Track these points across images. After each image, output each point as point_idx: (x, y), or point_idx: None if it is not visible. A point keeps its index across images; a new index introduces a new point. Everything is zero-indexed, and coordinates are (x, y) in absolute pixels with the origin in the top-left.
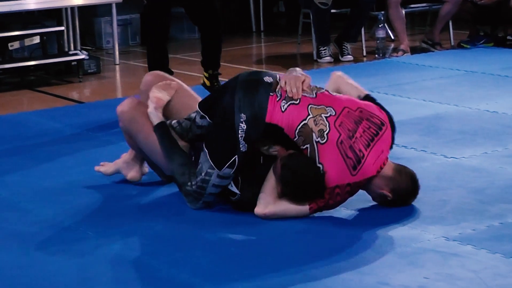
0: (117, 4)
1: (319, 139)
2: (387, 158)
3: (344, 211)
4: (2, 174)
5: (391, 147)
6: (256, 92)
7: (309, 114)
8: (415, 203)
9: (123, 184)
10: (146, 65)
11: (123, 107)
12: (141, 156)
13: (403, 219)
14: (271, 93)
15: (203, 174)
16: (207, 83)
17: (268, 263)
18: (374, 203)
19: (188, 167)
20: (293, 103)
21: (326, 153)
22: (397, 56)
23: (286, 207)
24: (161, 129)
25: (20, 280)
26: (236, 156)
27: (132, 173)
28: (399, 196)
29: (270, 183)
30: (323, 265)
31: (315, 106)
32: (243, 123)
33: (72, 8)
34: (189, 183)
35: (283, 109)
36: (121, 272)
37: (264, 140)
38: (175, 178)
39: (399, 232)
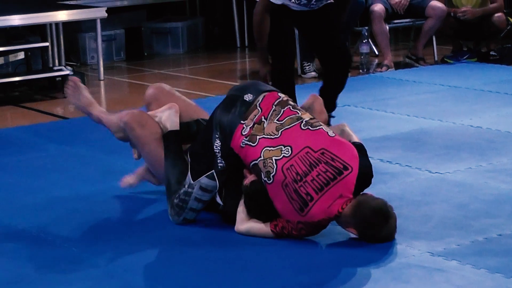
0: (102, 20)
1: (265, 179)
2: (350, 199)
3: (328, 227)
4: None
5: (360, 190)
6: (229, 112)
7: (260, 157)
8: (399, 218)
9: (106, 201)
10: (130, 81)
11: (130, 117)
12: None
13: None
14: (241, 121)
15: (186, 186)
16: None
17: (252, 279)
18: None
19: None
20: (250, 145)
21: (273, 192)
22: (381, 71)
23: (252, 225)
24: (173, 137)
25: None
26: (214, 171)
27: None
28: (364, 230)
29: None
30: (307, 280)
31: (270, 148)
32: (218, 140)
33: (57, 23)
34: (176, 195)
35: (242, 145)
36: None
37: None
38: (168, 186)
39: (383, 247)
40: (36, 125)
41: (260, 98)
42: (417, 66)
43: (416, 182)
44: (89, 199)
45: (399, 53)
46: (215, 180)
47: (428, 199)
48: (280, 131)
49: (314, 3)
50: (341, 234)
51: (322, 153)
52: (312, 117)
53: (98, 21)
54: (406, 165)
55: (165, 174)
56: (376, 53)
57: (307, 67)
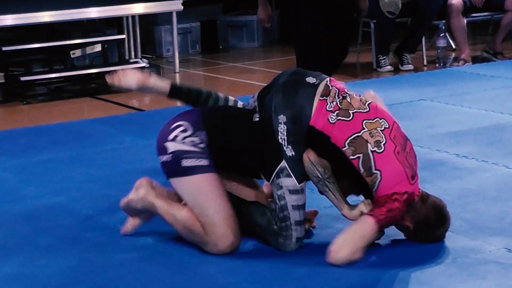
0: (178, 13)
1: (375, 148)
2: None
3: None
4: (62, 181)
5: None
6: (295, 94)
7: (363, 128)
8: (475, 213)
9: None
10: (205, 74)
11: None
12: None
13: (464, 230)
14: (320, 98)
15: (278, 201)
16: None
17: (318, 276)
18: None
19: (263, 205)
20: (344, 119)
21: (384, 161)
22: (458, 66)
23: (356, 235)
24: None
25: (84, 286)
26: (284, 161)
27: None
28: (419, 227)
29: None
30: (383, 275)
31: (369, 121)
32: (283, 124)
33: (133, 16)
34: (273, 221)
35: (331, 121)
36: (179, 279)
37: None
38: (255, 225)
39: (459, 243)
40: (112, 117)
41: (327, 80)
42: (495, 61)
43: (492, 177)
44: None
45: (477, 47)
46: (291, 176)
47: (505, 195)
48: (366, 105)
49: None
50: None
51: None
52: None
53: (174, 14)
54: (483, 161)
55: (247, 219)
56: (453, 47)
57: (383, 61)
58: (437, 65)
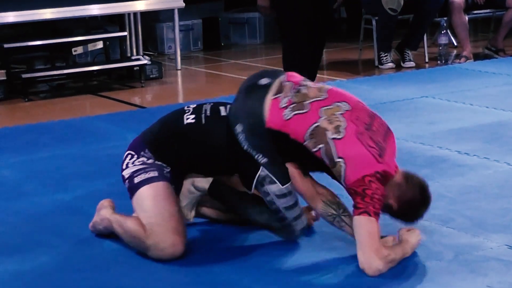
0: (179, 10)
1: (335, 135)
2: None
3: None
4: (64, 178)
5: None
6: (247, 100)
7: (321, 116)
8: (477, 210)
9: None
10: (207, 71)
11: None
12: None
13: (465, 227)
14: (273, 96)
15: (270, 206)
16: None
17: (319, 274)
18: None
19: (259, 203)
20: (300, 113)
21: (346, 147)
22: (459, 63)
23: (367, 234)
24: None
25: (85, 283)
26: (262, 168)
27: None
28: (404, 207)
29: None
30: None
31: (327, 107)
32: (241, 133)
33: (135, 13)
34: (273, 219)
35: (286, 117)
36: (180, 277)
37: None
38: (257, 223)
39: (461, 240)
40: (114, 114)
41: (282, 77)
42: (496, 58)
43: (494, 174)
44: None
45: (478, 44)
46: (276, 182)
47: (506, 192)
48: (325, 91)
49: None
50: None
51: (370, 109)
52: None
53: (176, 11)
54: (484, 157)
55: (249, 216)
56: (455, 44)
57: (385, 58)
58: (438, 62)
